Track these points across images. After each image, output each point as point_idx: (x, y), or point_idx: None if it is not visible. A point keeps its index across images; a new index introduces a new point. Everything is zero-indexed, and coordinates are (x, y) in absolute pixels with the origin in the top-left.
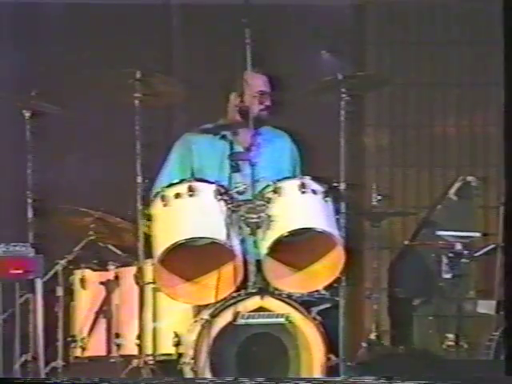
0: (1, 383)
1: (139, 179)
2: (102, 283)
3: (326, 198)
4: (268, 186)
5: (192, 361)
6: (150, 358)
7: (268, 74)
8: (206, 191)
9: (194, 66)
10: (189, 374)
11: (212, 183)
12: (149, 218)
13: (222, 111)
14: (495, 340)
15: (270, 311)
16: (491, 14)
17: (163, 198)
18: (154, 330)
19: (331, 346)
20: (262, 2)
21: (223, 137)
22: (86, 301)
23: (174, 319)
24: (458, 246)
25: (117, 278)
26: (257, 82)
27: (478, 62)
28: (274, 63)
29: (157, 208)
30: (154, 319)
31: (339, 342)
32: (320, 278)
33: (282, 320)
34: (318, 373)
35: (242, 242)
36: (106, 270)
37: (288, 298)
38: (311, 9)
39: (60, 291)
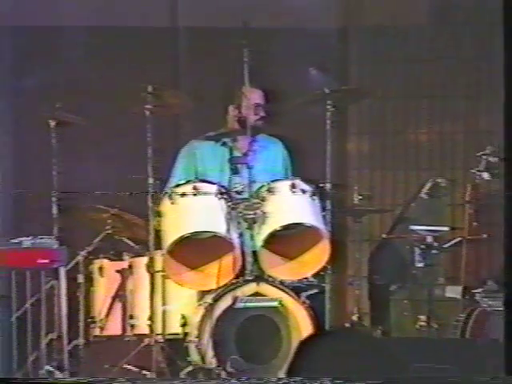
0: (1, 383)
1: (150, 180)
2: (117, 271)
3: (314, 197)
4: (263, 186)
5: (196, 339)
6: (160, 336)
7: (263, 88)
8: (209, 191)
9: (198, 81)
10: (194, 352)
11: (214, 184)
12: (158, 214)
13: (223, 121)
14: (461, 321)
15: (264, 296)
16: (459, 33)
17: (171, 197)
18: (164, 313)
19: (318, 326)
20: (259, 26)
21: (224, 143)
22: (104, 287)
23: (180, 303)
24: (429, 239)
25: (131, 266)
26: (253, 96)
27: (446, 78)
28: (269, 79)
29: (165, 205)
30: (163, 303)
31: (325, 323)
32: (308, 267)
33: (275, 303)
34: None
35: (240, 235)
36: (121, 260)
37: (280, 285)
38: (301, 32)
39: (81, 278)
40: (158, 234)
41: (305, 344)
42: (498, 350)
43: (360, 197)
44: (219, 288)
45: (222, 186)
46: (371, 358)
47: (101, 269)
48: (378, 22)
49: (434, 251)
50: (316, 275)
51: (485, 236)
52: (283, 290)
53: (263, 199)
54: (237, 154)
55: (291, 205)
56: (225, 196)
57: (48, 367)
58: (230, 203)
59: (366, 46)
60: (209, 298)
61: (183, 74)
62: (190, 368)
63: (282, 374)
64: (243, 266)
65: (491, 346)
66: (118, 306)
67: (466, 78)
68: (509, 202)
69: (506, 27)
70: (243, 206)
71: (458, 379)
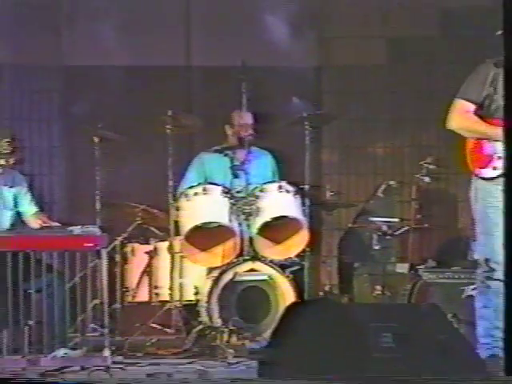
0: (1, 383)
1: (170, 183)
2: (145, 253)
3: (296, 195)
4: (257, 187)
5: (206, 304)
6: (178, 302)
7: (256, 111)
8: (215, 191)
9: (207, 106)
10: (204, 314)
11: (219, 185)
12: (177, 208)
13: (225, 137)
14: (408, 290)
15: (258, 271)
16: (409, 71)
17: (186, 196)
18: (180, 284)
19: (299, 294)
20: (254, 64)
21: (226, 154)
22: (135, 264)
23: (193, 276)
24: (384, 228)
25: (155, 249)
26: (244, 118)
27: (397, 106)
28: (261, 105)
29: (182, 202)
30: (180, 277)
31: (304, 292)
32: (292, 249)
33: (266, 277)
34: None
35: (240, 225)
36: (149, 244)
37: (270, 263)
38: (285, 68)
39: (118, 258)
40: (176, 224)
41: (287, 310)
42: (436, 312)
43: (331, 194)
44: (223, 265)
45: (225, 187)
46: (340, 320)
47: (133, 251)
48: (345, 62)
49: (387, 237)
50: (297, 256)
51: (426, 225)
52: (272, 267)
53: (257, 197)
54: (236, 162)
55: (278, 201)
56: (227, 195)
57: (92, 325)
58: (231, 200)
59: (335, 80)
60: (215, 273)
61: (195, 102)
62: (200, 326)
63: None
64: (241, 249)
65: (431, 309)
66: (146, 279)
67: (413, 107)
68: (509, 202)
69: (506, 27)
70: (242, 202)
71: (459, 379)
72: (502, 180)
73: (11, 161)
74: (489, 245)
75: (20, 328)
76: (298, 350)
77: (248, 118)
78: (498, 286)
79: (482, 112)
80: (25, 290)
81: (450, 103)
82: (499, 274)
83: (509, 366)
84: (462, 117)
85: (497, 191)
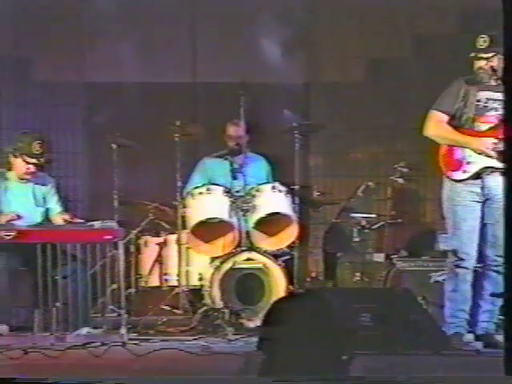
0: (1, 383)
1: (178, 184)
2: (156, 244)
3: (287, 195)
4: (253, 187)
5: (209, 289)
6: (185, 287)
7: (251, 121)
8: (217, 191)
9: (210, 117)
10: (207, 297)
11: (220, 186)
12: (184, 206)
13: (225, 144)
14: (383, 276)
15: (254, 260)
16: (388, 88)
17: (192, 195)
18: (187, 271)
19: (289, 280)
20: (251, 81)
21: (226, 159)
22: (148, 254)
23: (198, 265)
24: (363, 222)
25: (165, 241)
26: (237, 129)
27: (376, 118)
28: (256, 115)
29: (188, 200)
30: (187, 264)
31: (294, 278)
32: (283, 241)
33: (261, 266)
34: (281, 295)
35: (238, 220)
36: (159, 237)
37: (265, 253)
38: (278, 85)
39: (132, 249)
40: (183, 219)
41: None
42: (408, 295)
43: (318, 194)
44: (224, 255)
45: (226, 188)
46: (326, 303)
47: (146, 242)
48: (330, 79)
49: (366, 230)
50: (288, 246)
51: (399, 221)
52: (266, 257)
53: (253, 196)
54: (235, 166)
55: (272, 200)
56: (228, 194)
57: (111, 307)
58: (231, 199)
59: (321, 95)
60: (217, 262)
61: (199, 113)
62: (204, 308)
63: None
64: (240, 241)
65: (403, 293)
66: (157, 267)
67: (388, 119)
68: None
69: (505, 28)
70: (240, 200)
71: (459, 379)
72: (469, 181)
73: (42, 160)
74: (457, 237)
75: (49, 309)
76: (291, 328)
77: (240, 129)
78: (465, 274)
79: (454, 122)
80: (52, 277)
81: (421, 115)
82: (466, 263)
83: (509, 366)
84: (436, 126)
85: (464, 191)
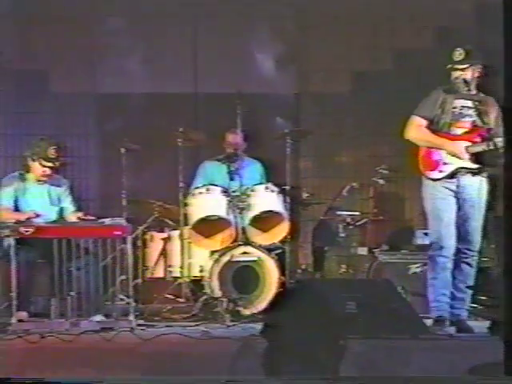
0: (1, 383)
1: (181, 184)
2: (161, 239)
3: (279, 194)
4: (248, 188)
5: (209, 280)
6: (187, 278)
7: (247, 128)
8: (216, 191)
9: (210, 124)
10: (207, 287)
11: (219, 187)
12: (186, 204)
13: (223, 149)
14: (367, 268)
15: (249, 254)
16: (373, 99)
17: (193, 194)
18: (189, 263)
19: (281, 271)
20: (247, 92)
21: (224, 162)
22: (153, 248)
23: (199, 258)
24: (348, 219)
25: (169, 236)
26: (234, 136)
27: (360, 125)
28: (252, 123)
29: (190, 199)
30: (189, 257)
31: (286, 270)
32: (276, 236)
33: (256, 258)
34: (274, 287)
35: (235, 217)
36: (164, 232)
37: (259, 247)
38: (272, 95)
39: (139, 243)
40: (185, 217)
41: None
42: (389, 286)
43: (307, 194)
44: (222, 249)
45: (224, 188)
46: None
47: (151, 237)
48: (319, 90)
49: (350, 227)
50: (280, 241)
51: (381, 218)
52: (261, 250)
53: (249, 196)
54: (232, 168)
55: (266, 199)
56: (225, 194)
57: (120, 296)
58: (228, 198)
59: (311, 104)
60: (216, 255)
61: (200, 121)
62: (205, 297)
63: (261, 304)
64: (236, 236)
65: (385, 283)
66: (162, 259)
67: (370, 126)
68: (508, 199)
69: (506, 28)
70: (237, 199)
71: (458, 379)
72: (445, 180)
73: (57, 164)
74: (437, 229)
75: (64, 297)
76: (288, 316)
77: (237, 137)
78: (445, 262)
79: (433, 127)
80: (67, 269)
81: (401, 123)
82: (445, 251)
83: (509, 366)
84: (416, 129)
85: (442, 187)
